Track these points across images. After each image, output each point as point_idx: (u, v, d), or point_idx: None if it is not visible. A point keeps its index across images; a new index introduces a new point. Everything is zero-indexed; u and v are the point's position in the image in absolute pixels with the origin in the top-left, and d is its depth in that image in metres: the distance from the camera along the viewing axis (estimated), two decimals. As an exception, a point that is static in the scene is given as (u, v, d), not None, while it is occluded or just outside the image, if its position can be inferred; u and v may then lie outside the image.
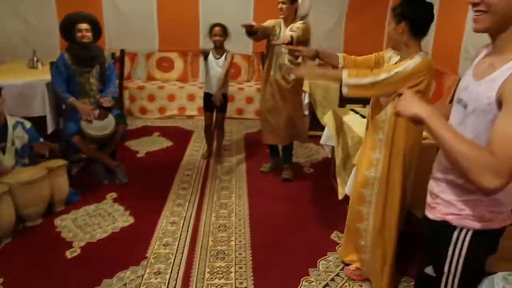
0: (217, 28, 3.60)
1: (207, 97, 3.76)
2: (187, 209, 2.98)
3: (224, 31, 3.62)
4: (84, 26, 3.11)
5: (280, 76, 3.25)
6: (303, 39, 2.99)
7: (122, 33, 5.44)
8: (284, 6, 3.11)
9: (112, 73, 3.34)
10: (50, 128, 3.44)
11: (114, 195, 3.16)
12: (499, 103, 1.02)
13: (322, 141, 3.25)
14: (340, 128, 2.94)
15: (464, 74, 1.24)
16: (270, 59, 3.31)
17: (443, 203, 1.23)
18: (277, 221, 2.87)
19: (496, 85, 1.03)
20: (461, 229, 1.19)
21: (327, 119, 3.20)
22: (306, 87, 4.44)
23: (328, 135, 3.19)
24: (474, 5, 1.07)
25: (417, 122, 1.12)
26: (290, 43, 2.78)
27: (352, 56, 2.25)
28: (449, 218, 1.21)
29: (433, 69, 1.88)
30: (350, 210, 2.26)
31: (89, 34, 3.13)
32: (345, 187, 2.84)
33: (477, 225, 1.17)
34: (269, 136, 3.49)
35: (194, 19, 5.56)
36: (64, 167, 2.88)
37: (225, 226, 2.77)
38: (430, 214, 1.29)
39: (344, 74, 1.93)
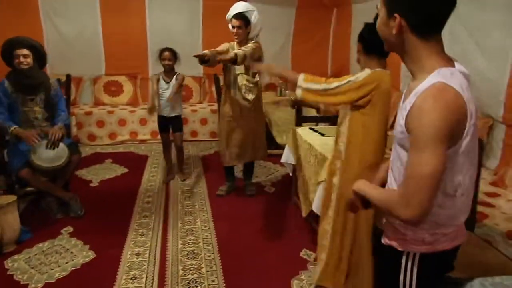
0: (166, 53, 3.66)
1: (162, 120, 3.82)
2: (152, 238, 2.87)
3: (174, 55, 3.68)
4: (22, 51, 2.93)
5: (240, 96, 3.26)
6: (256, 57, 3.09)
7: (65, 57, 5.23)
8: (240, 31, 3.19)
9: (60, 100, 3.17)
10: (-7, 162, 3.18)
11: (70, 229, 2.96)
12: (409, 133, 1.05)
13: (283, 159, 3.30)
14: (301, 147, 3.03)
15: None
16: (228, 80, 3.34)
17: (390, 227, 1.24)
18: (245, 242, 2.86)
19: (405, 112, 1.06)
20: (408, 253, 1.18)
21: (288, 139, 3.28)
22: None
23: (288, 154, 3.26)
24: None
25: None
26: (234, 60, 2.87)
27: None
28: (394, 243, 1.21)
29: (386, 82, 1.99)
30: (321, 214, 2.31)
31: (28, 60, 2.95)
32: (308, 204, 2.91)
33: (422, 249, 1.17)
34: (228, 158, 3.48)
35: (142, 41, 5.49)
36: (14, 203, 2.66)
37: (194, 253, 2.70)
38: (382, 238, 1.29)
39: (301, 77, 2.02)
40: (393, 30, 1.08)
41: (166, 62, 3.65)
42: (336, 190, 2.16)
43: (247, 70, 3.22)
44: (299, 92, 2.02)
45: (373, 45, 1.99)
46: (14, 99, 2.96)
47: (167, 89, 3.68)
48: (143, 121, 5.18)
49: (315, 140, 2.88)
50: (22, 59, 2.93)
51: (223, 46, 3.27)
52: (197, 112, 5.34)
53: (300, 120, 3.57)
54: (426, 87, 1.02)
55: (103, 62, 5.50)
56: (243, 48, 3.06)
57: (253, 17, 3.22)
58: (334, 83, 1.94)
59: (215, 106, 5.32)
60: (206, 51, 2.94)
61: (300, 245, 2.81)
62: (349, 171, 2.07)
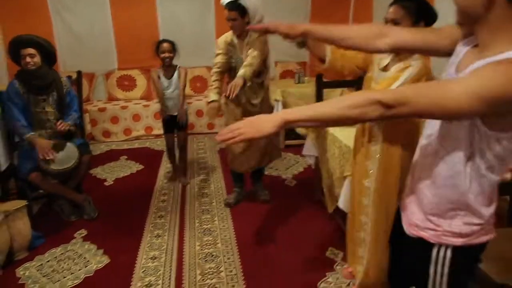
0: (165, 44, 3.29)
1: (168, 119, 3.50)
2: (167, 240, 2.72)
3: (173, 47, 3.32)
4: (28, 51, 2.74)
5: (245, 99, 2.88)
6: (264, 58, 2.74)
7: (76, 54, 5.11)
8: (235, 23, 2.72)
9: (72, 100, 3.02)
10: (2, 165, 3.07)
11: (83, 232, 2.84)
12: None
13: (304, 151, 3.09)
14: (323, 137, 2.80)
15: (445, 72, 1.11)
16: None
17: (419, 217, 1.15)
18: (266, 243, 2.67)
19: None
20: (440, 246, 1.12)
21: (308, 129, 3.06)
22: (278, 95, 4.30)
23: (310, 145, 3.04)
24: None
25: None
26: (244, 84, 2.58)
27: (341, 50, 2.05)
28: (425, 235, 1.14)
29: (431, 75, 1.76)
30: (350, 219, 2.11)
31: (35, 60, 2.76)
32: (334, 200, 2.70)
33: (457, 241, 1.10)
34: (238, 163, 3.04)
35: (154, 33, 5.28)
36: (23, 208, 2.55)
37: (212, 256, 2.54)
38: (406, 229, 1.22)
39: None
40: None
41: (166, 55, 3.29)
42: (370, 195, 1.93)
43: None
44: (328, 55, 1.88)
45: (433, 20, 1.71)
46: (26, 99, 2.83)
47: (168, 87, 3.38)
48: (157, 116, 5.01)
49: (339, 130, 2.64)
50: (28, 59, 2.76)
51: (220, 58, 2.86)
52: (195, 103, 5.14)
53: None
54: (507, 57, 0.89)
55: (115, 56, 5.35)
56: (248, 60, 2.67)
57: (250, 3, 2.67)
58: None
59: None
60: (214, 97, 2.84)
61: (326, 243, 2.61)
62: (388, 174, 1.85)
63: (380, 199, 1.90)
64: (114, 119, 4.96)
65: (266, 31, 1.52)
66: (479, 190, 1.03)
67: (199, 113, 5.12)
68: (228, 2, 2.67)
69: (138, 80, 5.37)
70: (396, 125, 1.79)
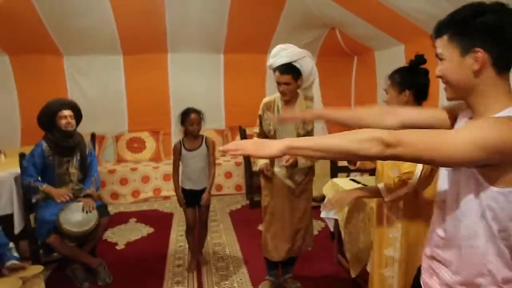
0: (193, 116, 2.92)
1: (189, 193, 3.03)
2: (187, 308, 2.61)
3: (201, 118, 2.98)
4: (68, 112, 2.89)
5: (284, 174, 2.57)
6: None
7: (89, 116, 5.15)
8: (288, 87, 2.41)
9: (93, 161, 3.08)
10: (18, 228, 3.01)
11: (98, 300, 2.73)
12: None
13: (323, 214, 3.08)
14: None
15: None
16: None
17: (443, 274, 1.11)
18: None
19: None
20: None
21: (327, 190, 3.08)
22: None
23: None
24: (439, 77, 1.09)
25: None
26: (295, 164, 2.46)
27: None
28: None
29: None
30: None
31: (73, 121, 2.90)
32: (358, 265, 2.65)
33: None
34: (272, 248, 2.68)
35: (164, 98, 5.50)
36: (40, 275, 2.45)
37: (236, 325, 2.43)
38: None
39: (383, 193, 1.83)
40: (474, 67, 0.99)
41: (195, 127, 2.93)
42: (396, 265, 1.91)
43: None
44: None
45: (425, 90, 1.85)
46: (50, 161, 2.89)
47: (193, 159, 2.99)
48: (166, 177, 5.03)
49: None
50: (70, 119, 2.89)
51: (265, 108, 2.60)
52: (221, 166, 5.19)
53: (336, 170, 3.40)
54: (508, 114, 0.96)
55: (126, 119, 5.49)
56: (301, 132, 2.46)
57: (305, 65, 2.43)
58: (414, 173, 1.75)
59: (239, 159, 5.19)
60: (264, 162, 2.52)
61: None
62: (413, 237, 1.85)
63: (404, 271, 1.87)
64: (123, 181, 4.96)
65: (284, 120, 1.60)
66: (497, 252, 1.00)
67: (227, 174, 5.16)
68: (281, 65, 2.39)
69: (147, 142, 5.45)
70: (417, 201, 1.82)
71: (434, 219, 1.20)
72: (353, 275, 2.70)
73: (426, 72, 1.85)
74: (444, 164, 1.04)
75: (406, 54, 4.18)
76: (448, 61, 1.04)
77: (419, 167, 1.74)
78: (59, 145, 2.86)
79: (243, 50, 5.42)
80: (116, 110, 5.40)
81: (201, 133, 3.02)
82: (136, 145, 5.43)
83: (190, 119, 2.91)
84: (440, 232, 1.13)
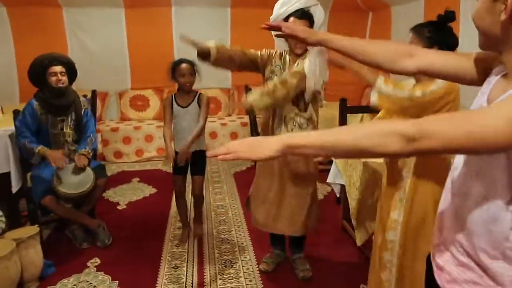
0: (184, 66, 2.67)
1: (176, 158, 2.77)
2: (187, 273, 2.55)
3: (194, 69, 2.71)
4: (58, 68, 2.69)
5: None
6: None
7: (90, 73, 5.01)
8: None
9: (89, 121, 2.92)
10: (15, 187, 2.92)
11: (97, 261, 2.68)
12: None
13: (329, 179, 2.95)
14: (352, 166, 2.66)
15: (475, 101, 0.97)
16: (273, 115, 2.33)
17: (458, 268, 0.95)
18: (291, 278, 2.49)
19: None
20: None
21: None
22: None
23: (336, 173, 2.90)
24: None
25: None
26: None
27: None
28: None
29: (459, 94, 1.65)
30: (371, 276, 1.95)
31: (65, 78, 2.71)
32: (364, 232, 2.55)
33: None
34: (263, 218, 2.45)
35: (169, 53, 5.23)
36: (36, 236, 2.40)
37: (235, 291, 2.37)
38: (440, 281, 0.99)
39: (380, 79, 1.66)
40: (502, 16, 0.82)
41: (187, 79, 2.68)
42: (398, 230, 1.78)
43: (297, 100, 2.26)
44: (374, 98, 1.65)
45: (451, 46, 1.64)
46: (42, 121, 2.73)
47: (183, 117, 2.77)
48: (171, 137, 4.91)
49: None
50: (60, 76, 2.69)
51: (254, 52, 2.36)
52: (226, 126, 5.05)
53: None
54: None
55: (129, 76, 5.31)
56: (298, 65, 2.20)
57: (318, 13, 2.22)
58: (418, 91, 1.58)
59: (245, 119, 5.03)
60: (210, 44, 2.21)
61: (358, 280, 2.43)
62: (416, 223, 1.72)
63: (402, 257, 1.76)
64: (126, 140, 4.86)
65: (282, 32, 1.39)
66: None
67: (212, 135, 5.01)
68: (297, 10, 2.15)
69: (151, 100, 5.30)
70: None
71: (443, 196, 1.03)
72: (358, 243, 2.61)
73: (453, 31, 1.65)
74: (487, 152, 0.83)
75: (425, 11, 3.86)
76: (482, 2, 0.87)
77: (436, 85, 1.56)
78: (51, 103, 2.70)
79: (251, 4, 5.10)
80: (118, 66, 5.21)
81: (207, 92, 2.82)
82: (140, 103, 5.29)
83: (180, 68, 2.67)
84: (451, 211, 0.98)
